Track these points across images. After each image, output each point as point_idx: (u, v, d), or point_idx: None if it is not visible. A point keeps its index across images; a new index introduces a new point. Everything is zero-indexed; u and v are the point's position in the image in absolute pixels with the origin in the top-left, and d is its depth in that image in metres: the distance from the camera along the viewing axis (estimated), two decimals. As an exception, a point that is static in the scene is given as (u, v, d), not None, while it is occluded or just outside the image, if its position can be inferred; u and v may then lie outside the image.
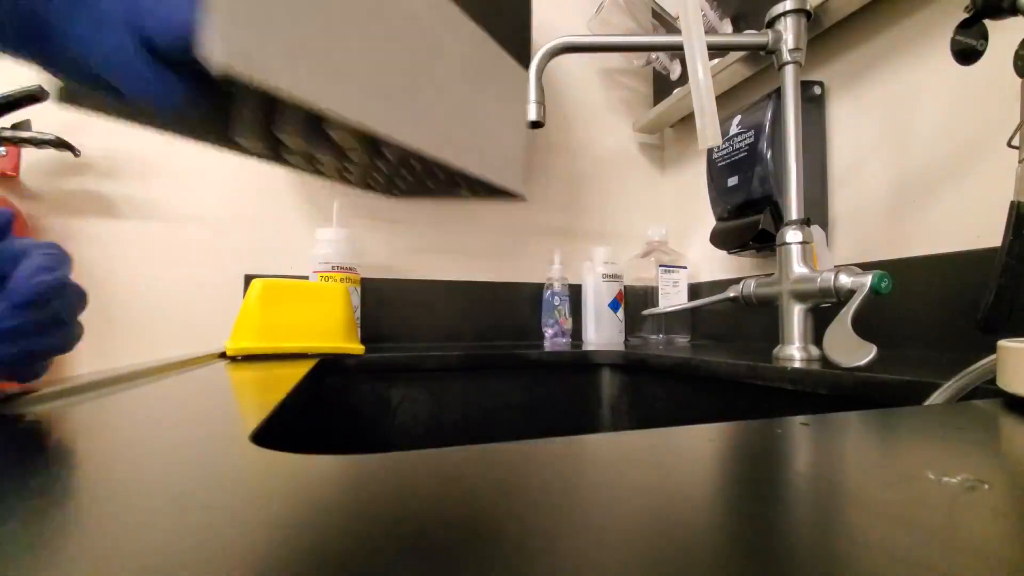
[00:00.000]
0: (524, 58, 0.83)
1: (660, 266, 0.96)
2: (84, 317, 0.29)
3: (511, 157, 0.38)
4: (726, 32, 0.87)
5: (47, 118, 0.81)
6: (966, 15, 0.45)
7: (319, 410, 0.63)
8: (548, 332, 0.97)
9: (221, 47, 0.16)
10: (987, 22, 0.45)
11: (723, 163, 0.82)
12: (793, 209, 0.58)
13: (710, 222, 0.88)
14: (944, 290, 0.59)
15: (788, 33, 0.61)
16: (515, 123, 0.41)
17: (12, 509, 0.12)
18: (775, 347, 0.57)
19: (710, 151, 0.86)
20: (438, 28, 0.30)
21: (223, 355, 0.58)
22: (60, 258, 0.25)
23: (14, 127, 0.75)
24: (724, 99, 0.96)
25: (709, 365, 0.57)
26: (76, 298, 0.27)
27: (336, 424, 0.64)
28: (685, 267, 0.98)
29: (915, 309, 0.62)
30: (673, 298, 0.96)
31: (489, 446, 0.18)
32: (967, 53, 0.47)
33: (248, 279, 0.88)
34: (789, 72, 0.60)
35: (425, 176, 0.35)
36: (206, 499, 0.13)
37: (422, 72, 0.29)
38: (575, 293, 1.02)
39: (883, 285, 0.46)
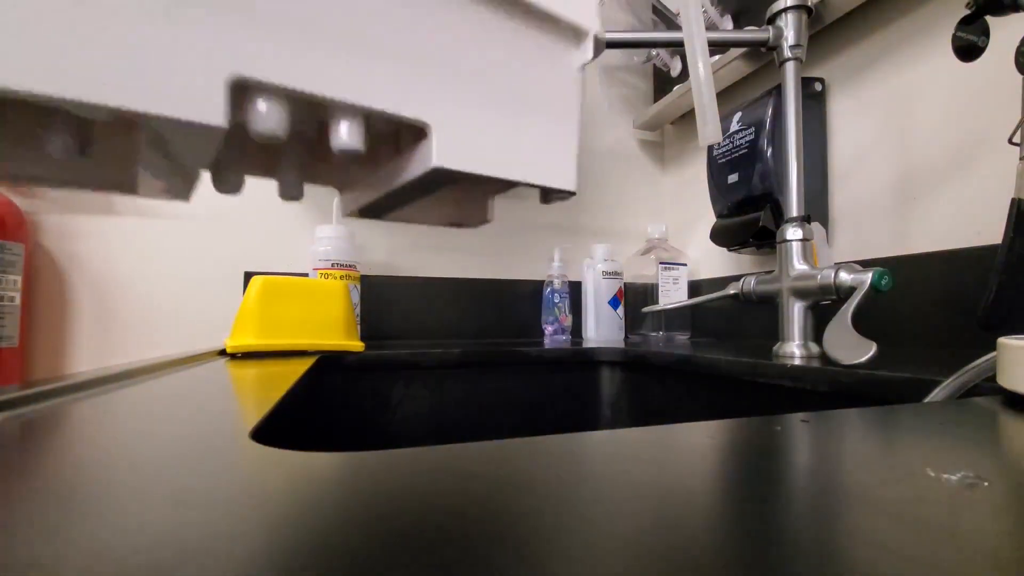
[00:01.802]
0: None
1: (660, 263, 0.96)
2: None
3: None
4: (727, 28, 0.87)
5: (46, 115, 0.81)
6: (967, 11, 0.45)
7: (319, 407, 0.63)
8: (548, 329, 0.97)
9: None
10: (988, 18, 0.45)
11: (723, 160, 0.82)
12: (793, 206, 0.58)
13: (710, 219, 0.88)
14: (944, 287, 0.59)
15: (789, 29, 0.61)
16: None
17: (12, 507, 0.12)
18: (775, 344, 0.57)
19: (710, 148, 0.86)
20: None
21: (223, 352, 0.58)
22: None
23: (13, 124, 0.74)
24: (725, 96, 0.96)
25: (709, 362, 0.57)
26: None
27: (336, 421, 0.64)
28: (685, 264, 0.98)
29: (915, 306, 0.62)
30: (673, 295, 0.96)
31: (489, 443, 0.18)
32: (968, 49, 0.46)
33: (248, 276, 0.88)
34: (790, 69, 0.60)
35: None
36: (206, 496, 0.13)
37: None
38: (575, 290, 1.02)
39: (883, 282, 0.46)
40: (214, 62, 0.15)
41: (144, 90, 0.14)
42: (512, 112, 0.19)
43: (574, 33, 0.20)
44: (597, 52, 0.20)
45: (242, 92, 0.15)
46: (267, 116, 0.15)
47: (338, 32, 0.16)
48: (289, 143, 0.18)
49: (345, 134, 0.16)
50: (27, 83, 0.14)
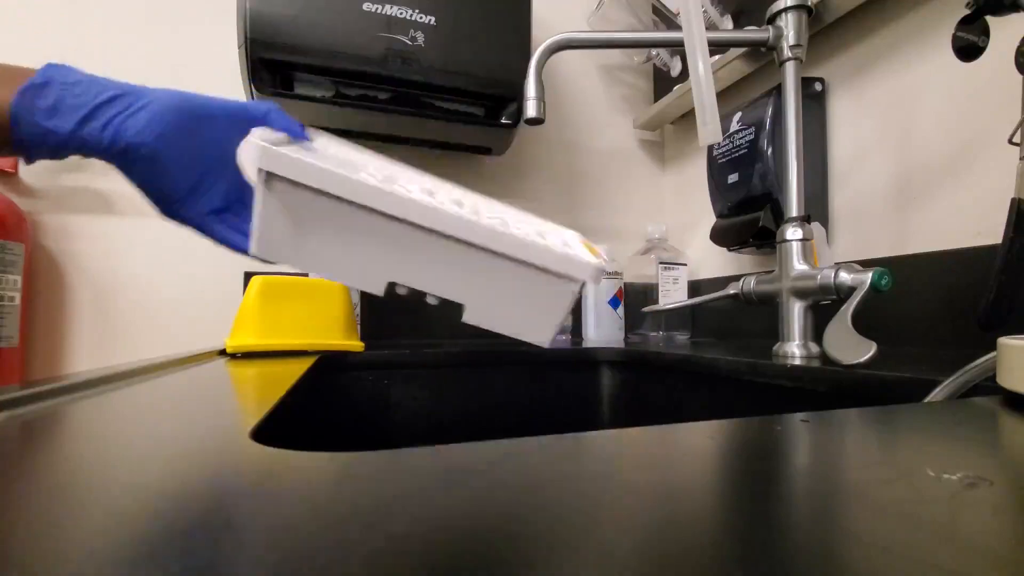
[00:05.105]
0: (524, 60, 0.83)
1: (660, 263, 0.96)
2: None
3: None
4: (727, 28, 0.87)
5: (46, 115, 0.81)
6: (967, 11, 0.45)
7: (319, 407, 0.63)
8: (548, 329, 0.97)
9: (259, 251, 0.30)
10: (988, 18, 0.45)
11: (724, 160, 0.82)
12: (793, 206, 0.58)
13: (710, 219, 0.88)
14: (944, 287, 0.59)
15: (789, 29, 0.61)
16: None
17: (11, 506, 0.12)
18: (775, 344, 0.57)
19: (711, 148, 0.86)
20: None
21: (223, 352, 0.58)
22: None
23: (13, 124, 0.74)
24: (725, 96, 0.96)
25: (709, 362, 0.57)
26: None
27: (336, 421, 0.64)
28: (685, 264, 0.98)
29: (915, 306, 0.62)
30: (673, 295, 0.96)
31: (488, 443, 0.18)
32: (968, 49, 0.46)
33: (248, 276, 0.88)
34: (790, 69, 0.60)
35: None
36: (207, 496, 0.13)
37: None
38: (575, 290, 1.01)
39: (883, 282, 0.46)
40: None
41: None
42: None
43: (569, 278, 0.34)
44: (596, 281, 0.35)
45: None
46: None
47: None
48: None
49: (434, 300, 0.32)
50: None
